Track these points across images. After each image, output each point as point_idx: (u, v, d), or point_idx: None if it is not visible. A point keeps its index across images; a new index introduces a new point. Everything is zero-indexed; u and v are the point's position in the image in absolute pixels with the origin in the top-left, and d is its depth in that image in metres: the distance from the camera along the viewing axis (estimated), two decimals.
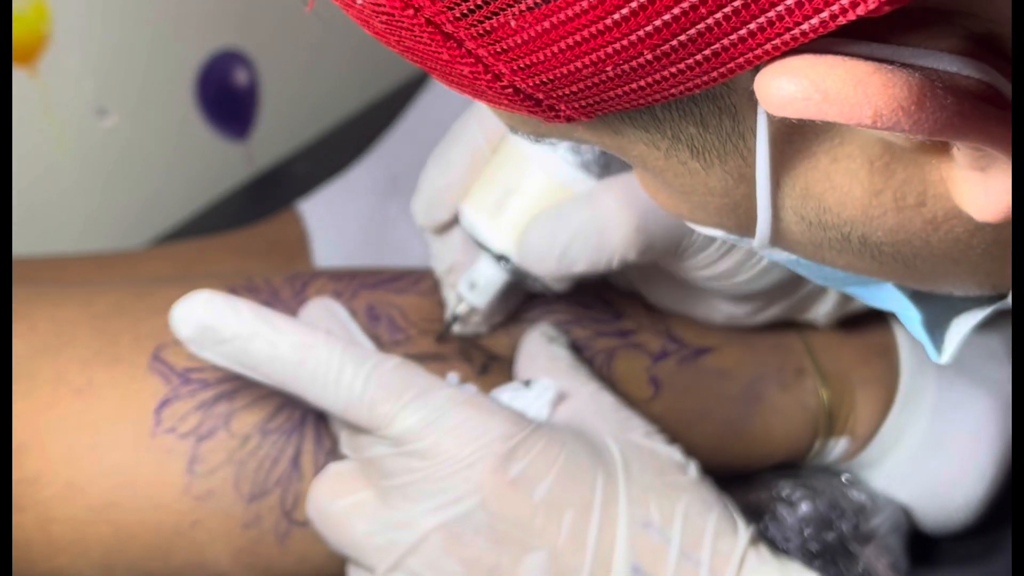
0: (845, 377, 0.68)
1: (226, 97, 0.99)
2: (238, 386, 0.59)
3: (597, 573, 0.54)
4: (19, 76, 0.84)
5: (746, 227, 0.40)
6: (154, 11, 0.92)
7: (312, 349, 0.54)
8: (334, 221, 0.87)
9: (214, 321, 0.55)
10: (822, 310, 0.66)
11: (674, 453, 0.58)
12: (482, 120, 0.61)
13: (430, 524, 0.54)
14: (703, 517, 0.55)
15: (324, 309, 0.59)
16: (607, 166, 0.59)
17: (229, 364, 0.55)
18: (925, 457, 0.68)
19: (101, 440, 0.58)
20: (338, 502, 0.56)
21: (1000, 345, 0.70)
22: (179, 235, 0.94)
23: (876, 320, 0.69)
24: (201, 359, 0.58)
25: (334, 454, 0.59)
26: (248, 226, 0.87)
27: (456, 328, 0.62)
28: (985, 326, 0.45)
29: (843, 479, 0.70)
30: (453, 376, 0.60)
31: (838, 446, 0.68)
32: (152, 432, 0.58)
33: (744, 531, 0.56)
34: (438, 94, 0.97)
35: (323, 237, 0.86)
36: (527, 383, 0.59)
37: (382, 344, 0.61)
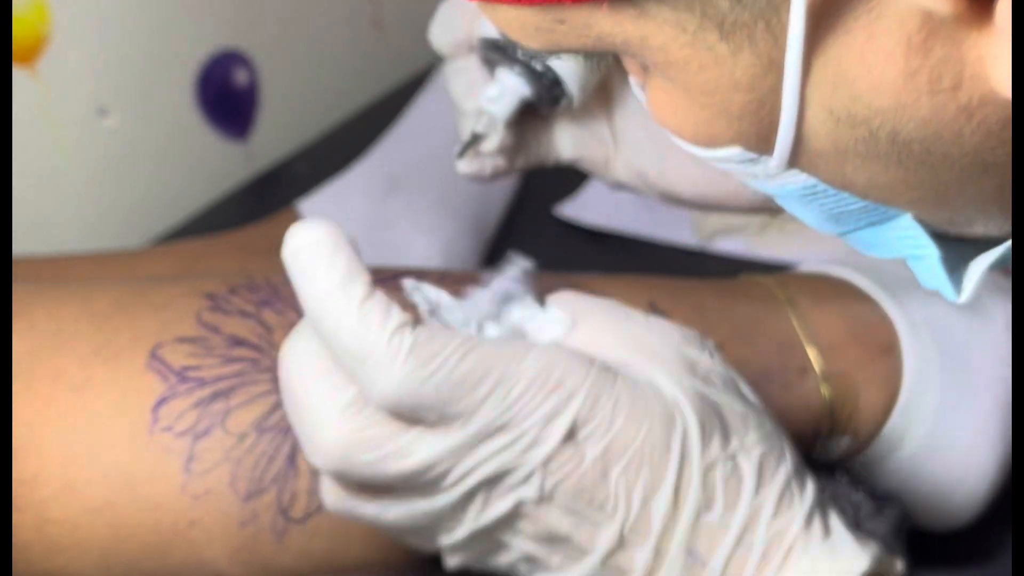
0: (848, 376, 0.68)
1: (226, 97, 0.99)
2: (235, 384, 0.59)
3: (655, 551, 0.52)
4: (19, 76, 0.84)
5: (766, 137, 0.39)
6: (154, 11, 0.92)
7: (374, 347, 0.50)
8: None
9: (306, 267, 0.51)
10: None
11: (735, 400, 0.54)
12: None
13: (503, 506, 0.52)
14: (764, 492, 0.53)
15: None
16: None
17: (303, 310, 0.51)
18: (927, 457, 0.68)
19: (99, 439, 0.58)
20: (389, 509, 0.53)
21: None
22: (179, 235, 0.95)
23: (879, 318, 0.69)
24: (198, 359, 0.58)
25: None
26: (248, 225, 0.87)
27: (474, 163, 0.63)
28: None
29: (844, 478, 0.70)
30: (409, 284, 0.56)
31: (840, 445, 0.68)
32: (149, 431, 0.58)
33: (804, 499, 0.53)
34: (438, 94, 0.97)
35: None
36: (540, 303, 0.55)
37: None
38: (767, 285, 0.70)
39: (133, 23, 0.91)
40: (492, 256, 0.93)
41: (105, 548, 0.58)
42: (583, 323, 0.54)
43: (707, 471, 0.52)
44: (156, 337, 0.60)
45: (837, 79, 0.37)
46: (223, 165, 1.00)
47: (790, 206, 0.46)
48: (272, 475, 0.58)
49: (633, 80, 0.47)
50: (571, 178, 0.99)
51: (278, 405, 0.59)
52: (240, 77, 1.00)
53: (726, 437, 0.52)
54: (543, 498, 0.51)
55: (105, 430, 0.58)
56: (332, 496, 0.53)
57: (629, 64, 0.46)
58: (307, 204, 0.88)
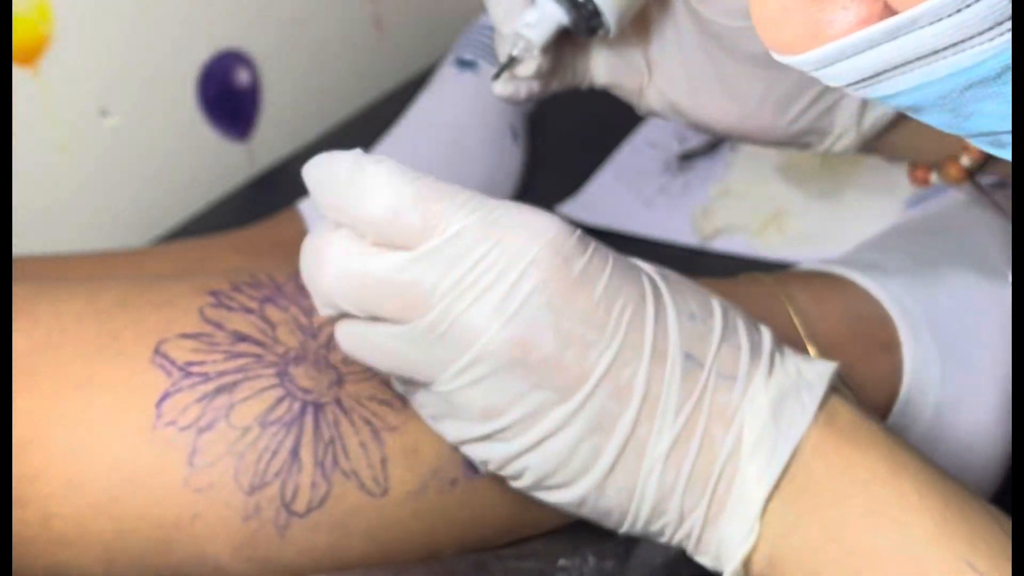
0: (848, 375, 0.68)
1: (228, 97, 0.99)
2: (239, 379, 0.59)
3: (655, 362, 0.54)
4: (21, 76, 0.84)
5: None
6: (156, 11, 0.92)
7: (362, 162, 0.54)
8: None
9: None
10: (847, 112, 0.66)
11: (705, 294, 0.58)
12: None
13: (495, 326, 0.53)
14: (733, 312, 0.57)
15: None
16: None
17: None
18: (927, 455, 0.68)
19: (102, 435, 0.58)
20: (376, 328, 0.55)
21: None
22: (181, 235, 0.95)
23: (879, 317, 0.69)
24: (202, 354, 0.58)
25: (333, 445, 0.59)
26: (249, 225, 0.87)
27: (509, 85, 0.63)
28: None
29: None
30: None
31: None
32: (153, 426, 0.58)
33: (766, 329, 0.57)
34: (438, 94, 0.98)
35: None
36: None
37: None
38: (767, 283, 0.70)
39: (135, 23, 0.91)
40: None
41: (109, 542, 0.58)
42: None
43: (677, 288, 0.56)
44: (160, 333, 0.60)
45: None
46: (224, 165, 1.00)
47: (944, 106, 0.41)
48: (275, 469, 0.58)
49: None
50: (571, 178, 0.99)
51: (281, 399, 0.59)
52: (241, 77, 1.00)
53: (683, 279, 0.57)
54: (535, 310, 0.53)
55: (109, 426, 0.58)
56: (342, 330, 0.56)
57: None
58: (308, 204, 0.88)
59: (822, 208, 0.93)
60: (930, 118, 0.39)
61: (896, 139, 0.67)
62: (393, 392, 0.60)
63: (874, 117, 0.66)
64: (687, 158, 1.00)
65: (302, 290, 0.62)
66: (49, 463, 0.58)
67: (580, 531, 0.61)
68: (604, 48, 0.67)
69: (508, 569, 0.62)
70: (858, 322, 0.69)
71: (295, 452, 0.58)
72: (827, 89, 0.63)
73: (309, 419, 0.59)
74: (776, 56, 0.40)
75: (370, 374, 0.60)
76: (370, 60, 1.08)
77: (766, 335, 0.57)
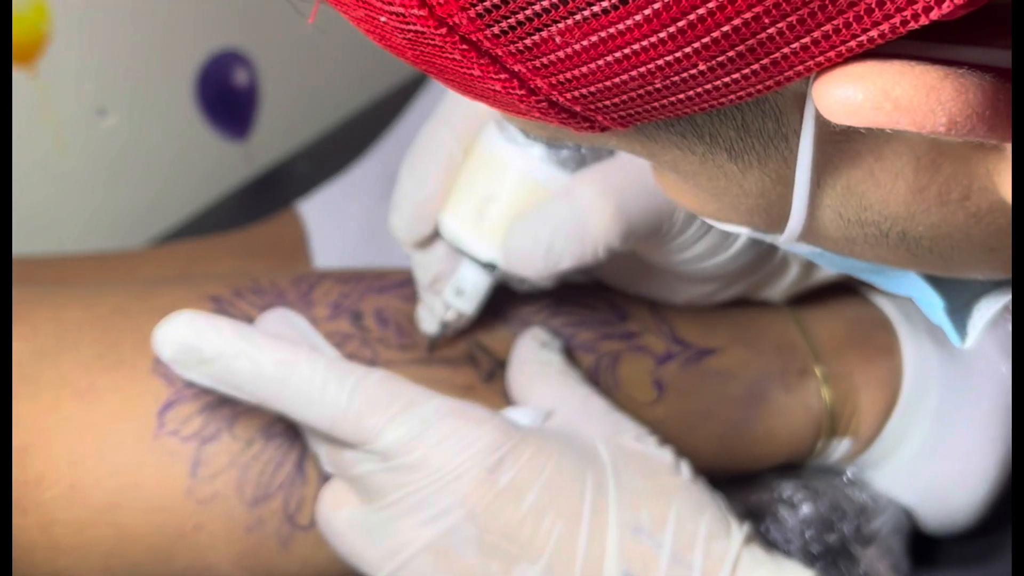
0: (849, 378, 0.68)
1: (226, 97, 0.99)
2: None
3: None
4: (19, 76, 0.84)
5: (777, 223, 0.39)
6: (154, 11, 0.92)
7: (294, 366, 0.54)
8: (333, 221, 0.87)
9: (197, 341, 0.54)
10: (780, 288, 0.66)
11: (665, 455, 0.57)
12: (452, 125, 0.61)
13: (420, 540, 0.54)
14: (695, 519, 0.55)
15: (282, 319, 0.59)
16: (582, 160, 0.59)
17: (213, 384, 0.55)
18: (928, 458, 0.68)
19: (104, 443, 0.58)
20: (337, 514, 0.56)
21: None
22: (179, 235, 0.94)
23: (880, 321, 0.69)
24: None
25: None
26: (248, 226, 0.87)
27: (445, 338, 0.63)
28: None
29: (845, 480, 0.70)
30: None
31: (840, 447, 0.68)
32: (155, 435, 0.58)
33: (738, 532, 0.56)
34: (438, 94, 0.97)
35: (322, 237, 0.86)
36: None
37: (390, 347, 0.61)
38: None
39: (133, 23, 0.91)
40: None
41: (109, 551, 0.58)
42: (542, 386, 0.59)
43: (629, 496, 0.54)
44: None
45: (846, 192, 0.36)
46: (223, 165, 1.00)
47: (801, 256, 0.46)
48: (279, 481, 0.58)
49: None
50: None
51: None
52: (240, 77, 0.99)
53: (648, 474, 0.55)
54: (456, 526, 0.53)
55: (110, 434, 0.58)
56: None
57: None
58: (307, 204, 0.88)
59: None
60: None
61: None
62: None
63: (805, 287, 0.68)
64: None
65: (304, 298, 0.62)
66: (49, 470, 0.58)
67: None
68: None
69: None
70: (858, 326, 0.69)
71: (300, 465, 0.58)
72: (763, 279, 0.66)
73: None
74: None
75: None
76: (369, 60, 1.07)
77: (733, 545, 0.55)
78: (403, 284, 0.65)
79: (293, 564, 0.58)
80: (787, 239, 0.39)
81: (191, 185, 0.98)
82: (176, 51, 0.95)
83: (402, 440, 0.54)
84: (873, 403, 0.68)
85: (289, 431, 0.59)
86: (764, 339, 0.68)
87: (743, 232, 0.41)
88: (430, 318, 0.62)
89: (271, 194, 0.97)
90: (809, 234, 0.39)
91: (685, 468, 0.57)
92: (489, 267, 0.60)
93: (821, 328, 0.69)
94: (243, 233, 0.86)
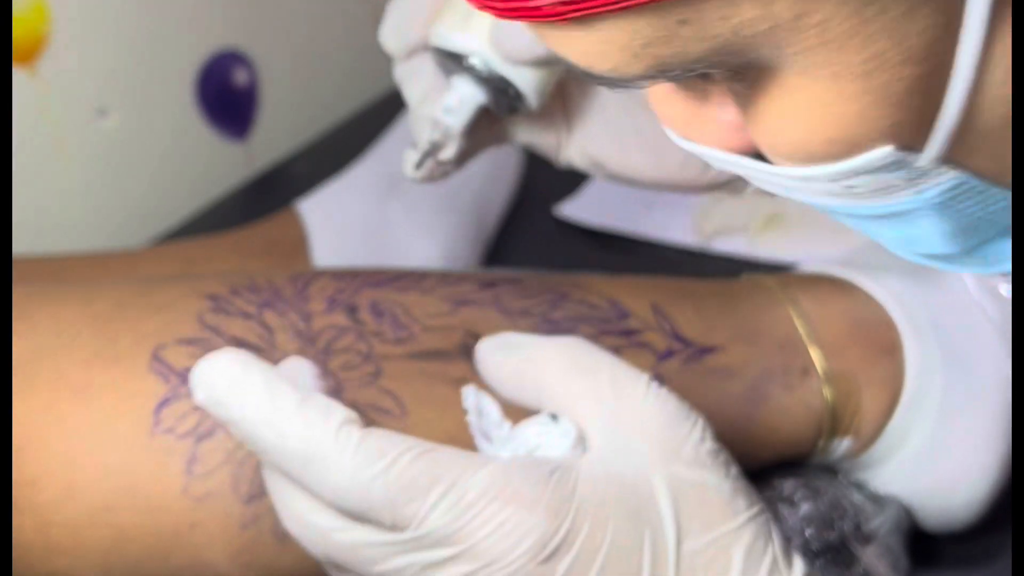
0: (851, 377, 0.68)
1: (226, 97, 0.99)
2: None
3: None
4: (19, 76, 0.84)
5: (926, 123, 0.35)
6: (154, 11, 0.92)
7: (321, 445, 0.50)
8: (333, 221, 0.87)
9: (226, 398, 0.51)
10: None
11: (723, 485, 0.53)
12: None
13: None
14: (755, 569, 0.52)
15: (297, 369, 0.56)
16: None
17: (240, 439, 0.52)
18: (929, 458, 0.68)
19: (100, 441, 0.58)
20: None
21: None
22: (179, 235, 0.95)
23: (882, 320, 0.69)
24: (200, 360, 0.58)
25: None
26: (247, 226, 0.87)
27: (428, 165, 0.61)
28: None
29: (845, 479, 0.70)
30: (470, 392, 0.56)
31: (842, 446, 0.68)
32: (151, 432, 0.58)
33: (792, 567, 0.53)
34: None
35: (322, 237, 0.86)
36: (554, 417, 0.54)
37: (386, 340, 0.61)
38: (769, 285, 0.70)
39: (133, 23, 0.91)
40: (492, 256, 0.93)
41: (106, 550, 0.58)
42: (579, 394, 0.54)
43: (689, 559, 0.51)
44: (157, 338, 0.59)
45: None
46: (223, 165, 1.00)
47: (892, 229, 0.41)
48: None
49: (712, 109, 0.42)
50: (571, 178, 0.99)
51: None
52: (240, 77, 1.00)
53: (709, 524, 0.52)
54: None
55: (107, 432, 0.58)
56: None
57: (713, 91, 0.42)
58: (307, 204, 0.88)
59: None
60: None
61: None
62: (392, 400, 0.59)
63: None
64: None
65: (300, 295, 0.62)
66: (46, 469, 0.58)
67: None
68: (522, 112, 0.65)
69: None
70: (861, 325, 0.69)
71: None
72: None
73: None
74: (671, 136, 0.43)
75: (368, 382, 0.59)
76: (369, 60, 1.07)
77: None
78: (399, 278, 0.64)
79: (289, 559, 0.58)
80: (937, 147, 0.35)
81: (191, 185, 0.98)
82: (176, 51, 0.95)
83: (448, 531, 0.50)
84: (875, 402, 0.68)
85: None
86: (766, 337, 0.68)
87: (876, 157, 0.36)
88: (412, 152, 0.61)
89: (271, 194, 0.97)
90: (963, 134, 0.35)
91: (742, 501, 0.53)
92: (475, 64, 0.59)
93: (823, 327, 0.69)
94: (243, 233, 0.86)
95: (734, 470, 0.54)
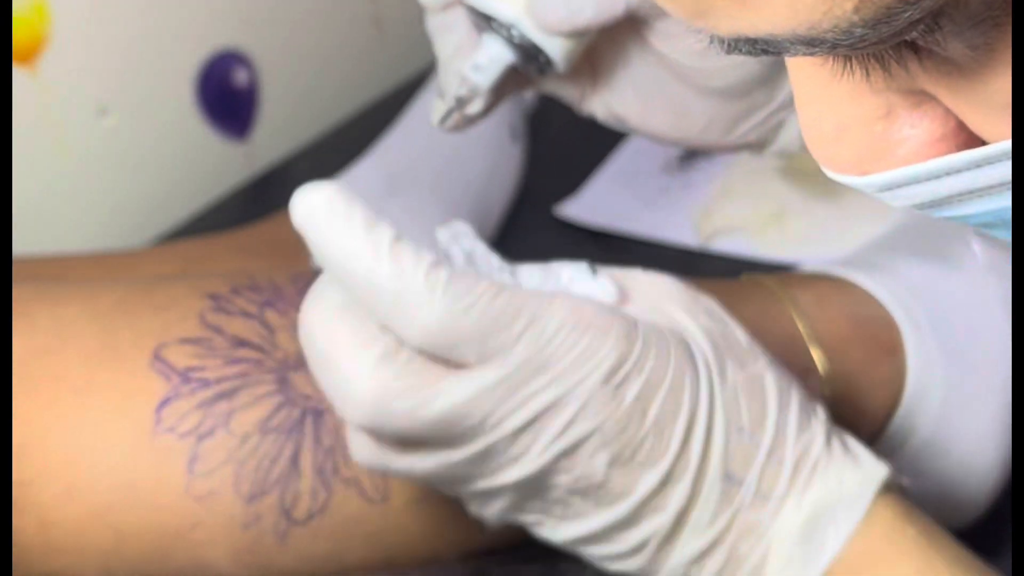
0: (852, 377, 0.68)
1: (226, 97, 0.99)
2: (238, 385, 0.59)
3: (697, 480, 0.54)
4: (20, 76, 0.84)
5: None
6: (154, 11, 0.92)
7: (412, 284, 0.51)
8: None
9: (324, 221, 0.52)
10: (793, 129, 0.64)
11: (740, 334, 0.58)
12: None
13: (546, 455, 0.53)
14: (785, 413, 0.56)
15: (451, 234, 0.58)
16: None
17: (326, 267, 0.53)
18: (930, 458, 0.68)
19: (101, 441, 0.58)
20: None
21: None
22: (179, 235, 0.95)
23: (883, 320, 0.69)
24: (201, 359, 0.58)
25: (333, 452, 0.59)
26: (248, 225, 0.87)
27: (453, 118, 0.61)
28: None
29: None
30: (447, 232, 0.58)
31: None
32: (152, 432, 0.58)
33: (818, 421, 0.56)
34: (436, 96, 0.97)
35: None
36: (593, 270, 0.57)
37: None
38: (770, 285, 0.70)
39: (133, 23, 0.91)
40: None
41: (107, 550, 0.58)
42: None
43: (732, 390, 0.55)
44: (159, 338, 0.59)
45: None
46: (223, 165, 1.00)
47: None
48: (275, 477, 0.58)
49: (900, 128, 0.36)
50: (571, 178, 0.99)
51: (281, 406, 0.59)
52: (240, 77, 1.00)
53: (741, 364, 0.56)
54: (584, 443, 0.53)
55: (108, 431, 0.58)
56: (364, 451, 0.54)
57: (899, 103, 0.36)
58: None
59: (823, 208, 0.93)
60: (999, 233, 0.36)
61: None
62: None
63: None
64: (687, 158, 0.99)
65: (302, 294, 0.62)
66: (46, 469, 0.58)
67: None
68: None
69: (509, 573, 0.61)
70: (862, 325, 0.69)
71: (295, 459, 0.58)
72: (776, 111, 0.63)
73: (309, 426, 0.59)
74: (831, 175, 0.37)
75: None
76: (370, 60, 1.07)
77: (817, 436, 0.56)
78: None
79: (290, 559, 0.58)
80: None
81: (191, 185, 0.98)
82: (177, 51, 0.95)
83: (535, 360, 0.52)
84: (876, 402, 0.68)
85: (284, 426, 0.59)
86: (767, 337, 0.67)
87: None
88: (440, 103, 0.61)
89: (271, 194, 0.97)
90: None
91: (759, 349, 0.57)
92: (509, 30, 0.59)
93: (824, 326, 0.69)
94: (243, 232, 0.86)
95: (756, 348, 0.58)
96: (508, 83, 0.62)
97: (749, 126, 0.63)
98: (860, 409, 0.68)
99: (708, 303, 0.58)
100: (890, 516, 0.55)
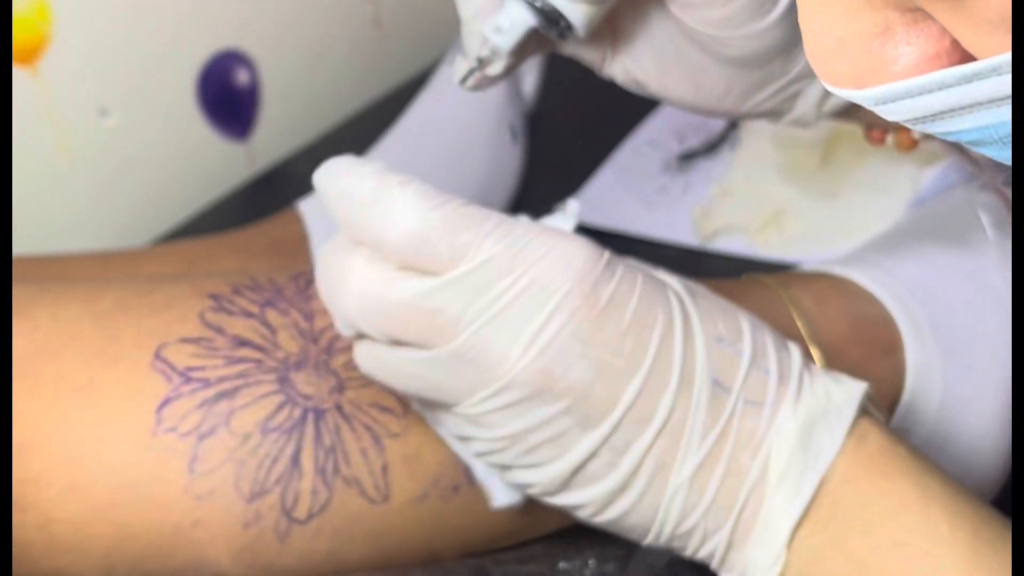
0: (851, 376, 0.68)
1: (227, 97, 0.99)
2: (239, 385, 0.59)
3: (682, 389, 0.54)
4: (21, 76, 0.84)
5: None
6: (156, 11, 0.92)
7: (387, 189, 0.54)
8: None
9: (336, 170, 0.56)
10: (812, 97, 0.64)
11: (701, 286, 0.59)
12: None
13: (523, 360, 0.53)
14: (762, 332, 0.57)
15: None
16: None
17: (331, 208, 0.56)
18: (928, 456, 0.68)
19: (102, 440, 0.58)
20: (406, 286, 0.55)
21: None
22: (180, 235, 0.95)
23: (883, 318, 0.69)
24: (202, 359, 0.58)
25: (334, 452, 0.59)
26: (249, 225, 0.87)
27: (475, 77, 0.62)
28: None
29: None
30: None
31: None
32: (153, 431, 0.58)
33: (795, 348, 0.57)
34: (438, 94, 0.98)
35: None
36: (550, 210, 0.59)
37: None
38: (769, 284, 0.70)
39: (134, 23, 0.91)
40: None
41: (108, 548, 0.58)
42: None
43: (707, 311, 0.56)
44: (160, 337, 0.60)
45: None
46: (224, 165, 1.00)
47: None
48: (276, 476, 0.58)
49: (896, 45, 0.38)
50: (571, 178, 0.99)
51: (282, 406, 0.59)
52: (241, 77, 1.00)
53: (710, 295, 0.57)
54: (566, 348, 0.53)
55: (109, 431, 0.58)
56: (361, 353, 0.56)
57: (897, 20, 0.37)
58: (308, 204, 0.88)
59: (823, 208, 0.93)
60: (989, 151, 0.38)
61: (855, 112, 0.67)
62: (394, 398, 0.60)
63: (834, 103, 0.66)
64: (687, 158, 0.99)
65: (303, 293, 0.62)
66: (48, 467, 0.58)
67: (581, 534, 0.61)
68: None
69: (508, 573, 0.62)
70: (861, 323, 0.69)
71: (296, 459, 0.58)
72: (792, 81, 0.63)
73: (310, 425, 0.59)
74: (830, 88, 0.39)
75: (370, 380, 0.60)
76: (370, 60, 1.08)
77: (795, 356, 0.57)
78: None
79: (291, 558, 0.59)
80: None
81: (192, 185, 0.98)
82: (178, 51, 0.95)
83: (504, 258, 0.53)
84: (875, 401, 0.68)
85: (285, 425, 0.59)
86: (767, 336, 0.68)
87: None
88: (463, 62, 0.62)
89: (272, 194, 0.97)
90: None
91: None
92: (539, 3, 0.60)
93: (824, 325, 0.69)
94: (244, 232, 0.86)
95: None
96: (529, 45, 0.63)
97: (766, 95, 0.64)
98: None
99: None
100: (879, 433, 0.55)
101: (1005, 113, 0.36)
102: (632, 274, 0.55)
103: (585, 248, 0.54)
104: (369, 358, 0.56)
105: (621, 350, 0.54)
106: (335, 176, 0.55)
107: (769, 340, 0.57)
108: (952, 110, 0.36)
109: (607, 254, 0.55)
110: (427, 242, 0.53)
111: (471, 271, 0.53)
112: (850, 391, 0.56)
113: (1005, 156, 0.38)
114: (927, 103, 0.37)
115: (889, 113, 0.38)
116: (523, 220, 0.55)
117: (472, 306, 0.53)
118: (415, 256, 0.54)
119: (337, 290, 0.55)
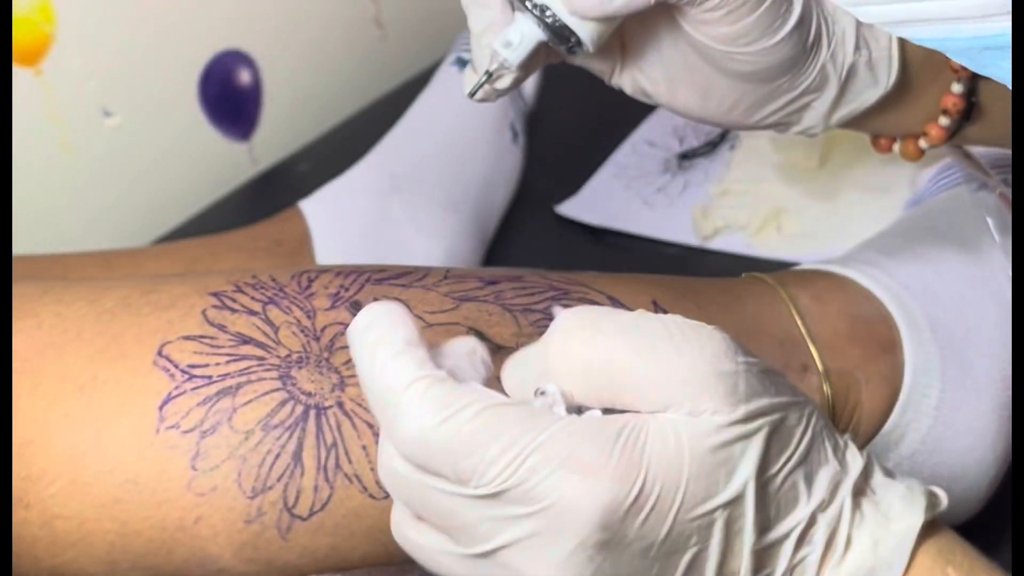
0: (850, 374, 0.68)
1: (230, 97, 0.99)
2: (241, 382, 0.59)
3: None
4: (24, 76, 0.85)
5: None
6: (158, 12, 0.93)
7: (394, 392, 0.49)
8: (336, 220, 0.88)
9: (357, 336, 0.50)
10: (819, 110, 0.64)
11: (781, 404, 0.50)
12: None
13: None
14: (815, 490, 0.50)
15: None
16: None
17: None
18: (927, 455, 0.69)
19: (105, 437, 0.58)
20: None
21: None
22: (183, 234, 0.95)
23: (881, 316, 0.70)
24: (204, 356, 0.58)
25: (336, 449, 0.59)
26: (251, 225, 0.87)
27: (483, 91, 0.62)
28: None
29: None
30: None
31: None
32: (156, 428, 0.58)
33: (846, 481, 0.51)
34: (438, 94, 0.98)
35: (325, 235, 0.86)
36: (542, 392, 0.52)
37: None
38: (768, 283, 0.71)
39: (137, 24, 0.91)
40: (493, 254, 0.93)
41: (111, 544, 0.58)
42: (605, 348, 0.50)
43: (762, 490, 0.50)
44: (162, 335, 0.60)
45: None
46: (226, 165, 1.00)
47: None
48: (278, 472, 0.58)
49: None
50: (571, 178, 0.99)
51: (284, 402, 0.59)
52: (243, 77, 1.00)
53: (780, 452, 0.50)
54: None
55: (111, 427, 0.58)
56: (395, 517, 0.52)
57: None
58: (310, 203, 0.89)
59: (821, 208, 0.93)
60: (953, 57, 0.44)
61: (862, 123, 0.67)
62: None
63: (841, 116, 0.66)
64: (687, 158, 1.00)
65: (304, 291, 0.63)
66: (51, 464, 0.58)
67: None
68: None
69: None
70: (859, 322, 0.69)
71: (297, 456, 0.59)
72: (800, 95, 0.64)
73: (311, 422, 0.59)
74: None
75: None
76: (370, 60, 1.08)
77: (846, 502, 0.51)
78: (402, 275, 0.65)
79: (293, 554, 0.59)
80: None
81: (195, 184, 0.98)
82: (180, 52, 0.95)
83: (513, 489, 0.47)
84: (873, 399, 0.68)
85: (287, 422, 0.59)
86: (766, 334, 0.68)
87: None
88: (472, 74, 0.62)
89: (274, 193, 0.98)
90: None
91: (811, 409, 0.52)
92: (541, 10, 0.60)
93: (823, 324, 0.69)
94: (246, 232, 0.86)
95: (781, 378, 0.52)
96: (538, 58, 0.63)
97: (774, 108, 0.64)
98: (857, 406, 0.68)
99: (741, 345, 0.52)
100: (928, 563, 0.51)
101: (960, 30, 0.42)
102: (669, 498, 0.48)
103: (609, 490, 0.48)
104: (397, 525, 0.52)
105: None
106: (359, 359, 0.50)
107: (822, 494, 0.50)
108: (912, 21, 0.42)
109: (637, 486, 0.48)
110: (431, 460, 0.48)
111: (478, 494, 0.48)
112: (902, 535, 0.51)
113: (964, 63, 0.44)
114: (889, 12, 0.43)
115: (861, 15, 0.43)
116: (545, 441, 0.48)
117: (480, 527, 0.49)
118: (421, 464, 0.49)
119: (378, 459, 0.51)
